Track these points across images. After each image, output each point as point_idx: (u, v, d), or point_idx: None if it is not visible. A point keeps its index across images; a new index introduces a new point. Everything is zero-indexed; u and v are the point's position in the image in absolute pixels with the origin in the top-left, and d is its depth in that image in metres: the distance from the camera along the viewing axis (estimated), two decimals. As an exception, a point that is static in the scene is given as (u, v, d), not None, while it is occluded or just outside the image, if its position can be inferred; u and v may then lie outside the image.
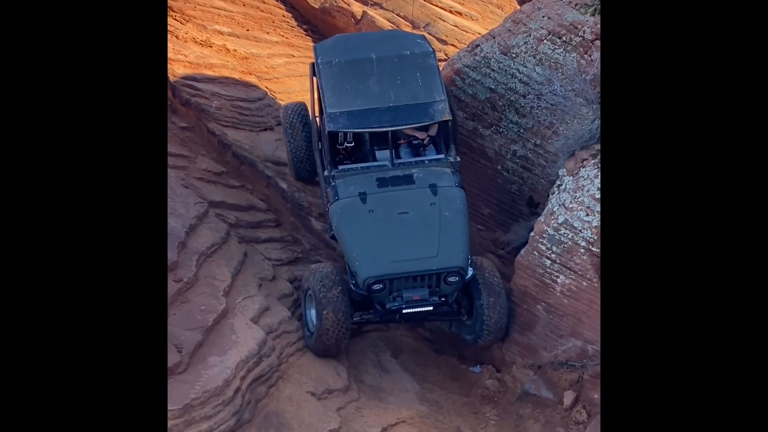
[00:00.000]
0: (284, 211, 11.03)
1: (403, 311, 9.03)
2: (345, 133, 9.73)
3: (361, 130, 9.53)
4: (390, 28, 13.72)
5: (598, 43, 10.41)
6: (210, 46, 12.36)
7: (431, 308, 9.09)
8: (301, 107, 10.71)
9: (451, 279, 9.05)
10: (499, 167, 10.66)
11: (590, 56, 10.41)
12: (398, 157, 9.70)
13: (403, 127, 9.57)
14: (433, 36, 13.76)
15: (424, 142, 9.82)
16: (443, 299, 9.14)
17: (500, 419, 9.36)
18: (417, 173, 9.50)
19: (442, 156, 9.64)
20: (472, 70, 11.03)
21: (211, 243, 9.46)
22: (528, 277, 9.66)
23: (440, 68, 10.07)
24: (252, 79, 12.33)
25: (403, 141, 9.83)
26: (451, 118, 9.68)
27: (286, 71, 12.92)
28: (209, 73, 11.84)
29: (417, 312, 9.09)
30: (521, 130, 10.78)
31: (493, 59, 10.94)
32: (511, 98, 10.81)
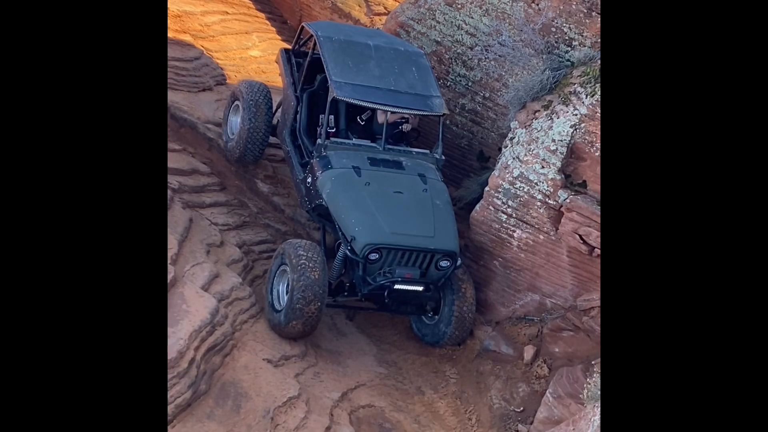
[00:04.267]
0: (228, 174, 10.68)
1: (395, 287, 8.81)
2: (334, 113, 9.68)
3: (366, 103, 9.38)
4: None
5: (545, -9, 10.20)
6: (141, 5, 11.87)
7: (421, 288, 8.93)
8: (266, 88, 10.42)
9: (443, 263, 8.90)
10: (447, 122, 10.43)
11: (538, 5, 10.19)
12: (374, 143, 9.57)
13: (406, 111, 9.48)
14: (372, -10, 13.43)
15: (402, 128, 9.73)
16: (430, 285, 9.00)
17: (461, 377, 9.24)
18: (405, 161, 9.43)
19: (428, 151, 9.60)
20: (417, 22, 10.75)
21: (156, 210, 9.10)
22: (484, 233, 9.50)
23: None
24: (187, 38, 11.91)
25: (400, 127, 9.73)
26: (448, 113, 9.78)
27: (221, 29, 12.52)
28: (142, 32, 11.36)
29: (407, 291, 8.89)
30: (469, 83, 10.56)
31: (438, 11, 10.65)
32: (458, 51, 10.57)
